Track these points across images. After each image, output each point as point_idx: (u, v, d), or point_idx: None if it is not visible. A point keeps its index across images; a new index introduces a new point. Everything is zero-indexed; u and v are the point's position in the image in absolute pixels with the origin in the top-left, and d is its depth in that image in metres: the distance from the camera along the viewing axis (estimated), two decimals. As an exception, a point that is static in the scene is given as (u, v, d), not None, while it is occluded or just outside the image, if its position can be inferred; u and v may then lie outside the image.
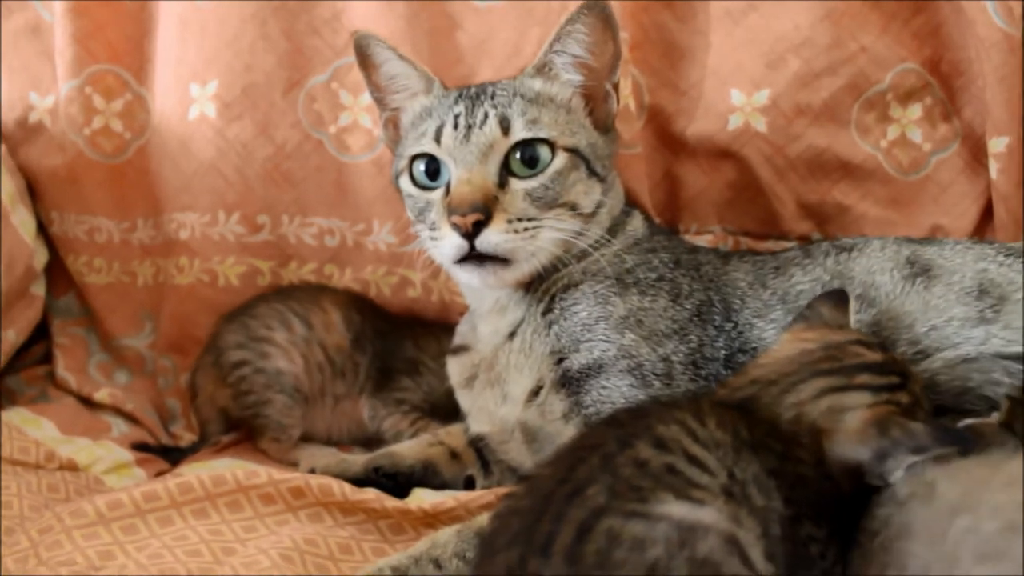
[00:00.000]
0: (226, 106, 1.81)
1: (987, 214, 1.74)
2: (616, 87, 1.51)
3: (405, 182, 1.46)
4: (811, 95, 1.72)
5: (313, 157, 1.83)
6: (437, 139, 1.41)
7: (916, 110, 1.75)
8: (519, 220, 1.36)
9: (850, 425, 1.02)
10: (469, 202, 1.34)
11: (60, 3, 1.81)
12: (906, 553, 0.92)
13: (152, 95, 1.86)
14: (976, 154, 1.74)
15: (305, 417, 1.74)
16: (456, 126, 1.40)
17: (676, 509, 0.86)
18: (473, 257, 1.36)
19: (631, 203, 1.60)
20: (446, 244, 1.36)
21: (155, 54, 1.87)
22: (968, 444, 0.99)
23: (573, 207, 1.41)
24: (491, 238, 1.34)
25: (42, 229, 1.88)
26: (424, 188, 1.44)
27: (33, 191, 1.87)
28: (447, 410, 1.68)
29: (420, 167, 1.44)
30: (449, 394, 1.61)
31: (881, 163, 1.75)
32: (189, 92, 1.82)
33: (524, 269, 1.40)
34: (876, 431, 1.01)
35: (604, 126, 1.50)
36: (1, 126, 1.86)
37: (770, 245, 1.76)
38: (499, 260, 1.36)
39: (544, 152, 1.40)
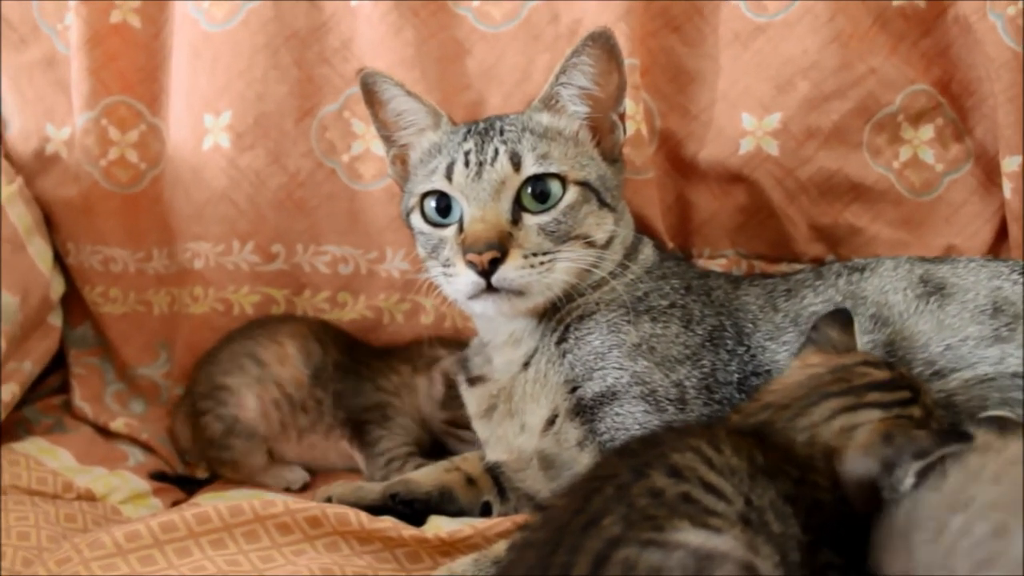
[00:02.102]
0: (239, 136, 1.82)
1: (1001, 234, 1.74)
2: (622, 117, 1.51)
3: (416, 219, 1.46)
4: (821, 118, 1.72)
5: (325, 185, 1.84)
6: (448, 176, 1.41)
7: (928, 131, 1.75)
8: (535, 255, 1.36)
9: (858, 440, 1.03)
10: (484, 240, 1.34)
11: (75, 36, 1.84)
12: (915, 544, 0.92)
13: (166, 125, 1.88)
14: (989, 174, 1.74)
15: (273, 451, 1.75)
16: (467, 163, 1.40)
17: (692, 537, 0.86)
18: (487, 291, 1.36)
19: (640, 230, 1.60)
20: (461, 281, 1.36)
21: (169, 85, 1.89)
22: (970, 440, 0.98)
23: (587, 239, 1.41)
24: (507, 274, 1.34)
25: (58, 260, 1.89)
26: (436, 225, 1.43)
27: (49, 222, 1.89)
28: (430, 440, 1.71)
29: (431, 204, 1.43)
30: (425, 424, 1.61)
31: (893, 184, 1.75)
32: (203, 122, 1.84)
33: (538, 300, 1.40)
34: (881, 441, 1.01)
35: (611, 156, 1.50)
36: (17, 157, 1.87)
37: (783, 268, 1.76)
38: (514, 292, 1.36)
39: (555, 187, 1.40)
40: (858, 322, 1.35)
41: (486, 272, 1.34)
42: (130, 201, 1.88)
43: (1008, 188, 1.67)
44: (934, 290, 1.39)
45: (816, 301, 1.43)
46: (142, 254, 1.89)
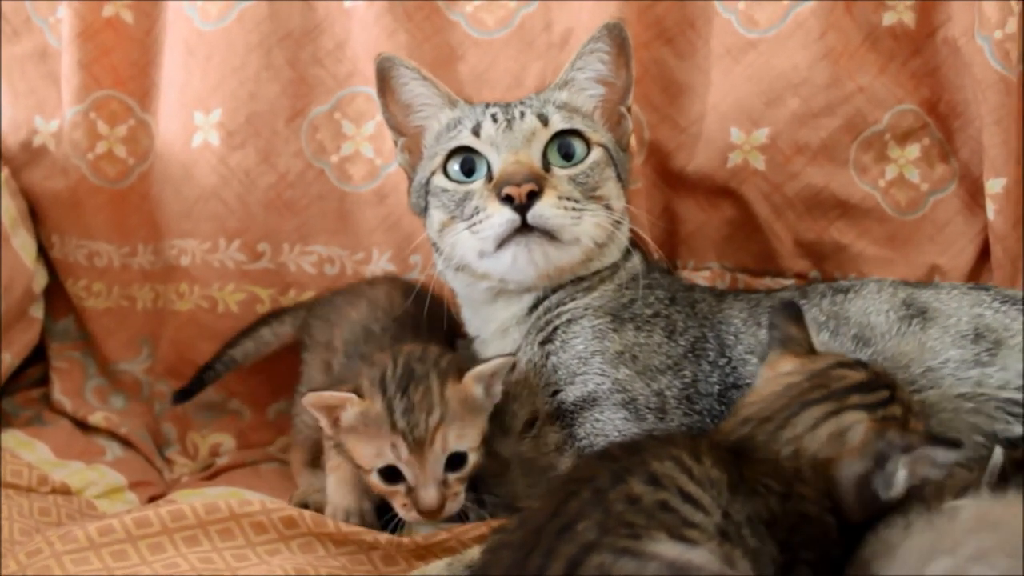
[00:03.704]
0: (229, 134, 1.82)
1: (984, 254, 1.75)
2: (629, 110, 1.55)
3: (439, 179, 1.46)
4: (809, 134, 1.73)
5: (315, 186, 1.84)
6: (476, 133, 1.44)
7: (914, 150, 1.77)
8: (568, 199, 1.38)
9: (853, 443, 1.04)
10: (522, 174, 1.36)
11: (67, 29, 1.83)
12: None
13: (156, 121, 1.88)
14: (973, 194, 1.75)
15: None
16: (496, 120, 1.44)
17: (668, 549, 0.86)
18: (521, 232, 1.36)
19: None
20: (494, 221, 1.36)
21: (160, 81, 1.88)
22: (958, 445, 1.02)
23: (607, 203, 1.44)
24: (544, 211, 1.36)
25: (42, 252, 1.88)
26: (461, 183, 1.45)
27: (35, 214, 1.88)
28: None
29: (455, 166, 1.45)
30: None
31: (879, 202, 1.76)
32: (193, 119, 1.84)
33: (566, 257, 1.41)
34: (874, 437, 1.03)
35: (621, 146, 1.54)
36: (4, 148, 1.86)
37: (767, 282, 1.77)
38: (547, 235, 1.37)
39: (580, 147, 1.44)
40: (839, 342, 1.36)
41: (523, 207, 1.35)
42: (117, 196, 1.87)
43: (991, 209, 1.68)
44: (916, 313, 1.39)
45: None
46: (127, 249, 1.88)
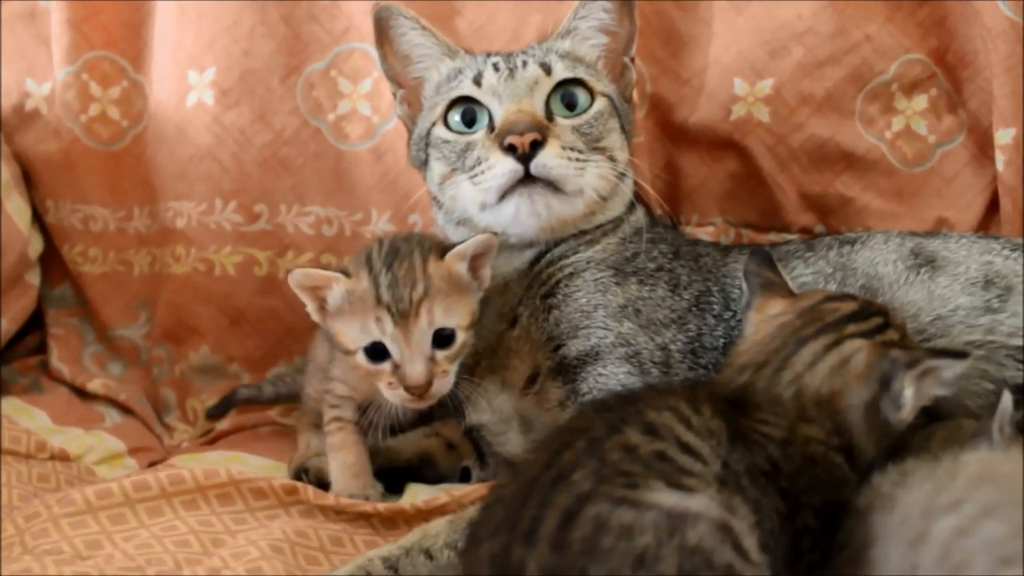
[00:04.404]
0: (224, 93, 1.80)
1: (992, 207, 1.72)
2: (632, 61, 1.53)
3: (440, 131, 1.44)
4: (814, 84, 1.71)
5: (311, 145, 1.81)
6: (477, 83, 1.42)
7: (921, 101, 1.74)
8: (571, 149, 1.36)
9: (857, 369, 1.03)
10: (525, 123, 1.34)
11: (56, -13, 1.81)
12: (877, 559, 0.91)
13: (149, 82, 1.86)
14: (982, 146, 1.72)
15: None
16: (497, 69, 1.42)
17: (666, 497, 0.85)
18: (523, 183, 1.35)
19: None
20: (497, 171, 1.35)
21: (152, 41, 1.86)
22: (963, 356, 1.02)
23: (611, 155, 1.43)
24: (547, 160, 1.34)
25: (38, 218, 1.87)
26: (461, 134, 1.43)
27: (28, 178, 1.86)
28: None
29: (456, 116, 1.43)
30: None
31: (885, 154, 1.73)
32: (187, 79, 1.81)
33: (569, 208, 1.39)
34: (877, 359, 1.02)
35: (624, 97, 1.51)
36: (-3, 113, 1.85)
37: (772, 237, 1.75)
38: (550, 186, 1.36)
39: (583, 97, 1.43)
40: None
41: (526, 156, 1.33)
42: (111, 159, 1.85)
43: (1001, 160, 1.66)
44: (925, 262, 1.38)
45: (806, 272, 1.42)
46: (123, 213, 1.87)
